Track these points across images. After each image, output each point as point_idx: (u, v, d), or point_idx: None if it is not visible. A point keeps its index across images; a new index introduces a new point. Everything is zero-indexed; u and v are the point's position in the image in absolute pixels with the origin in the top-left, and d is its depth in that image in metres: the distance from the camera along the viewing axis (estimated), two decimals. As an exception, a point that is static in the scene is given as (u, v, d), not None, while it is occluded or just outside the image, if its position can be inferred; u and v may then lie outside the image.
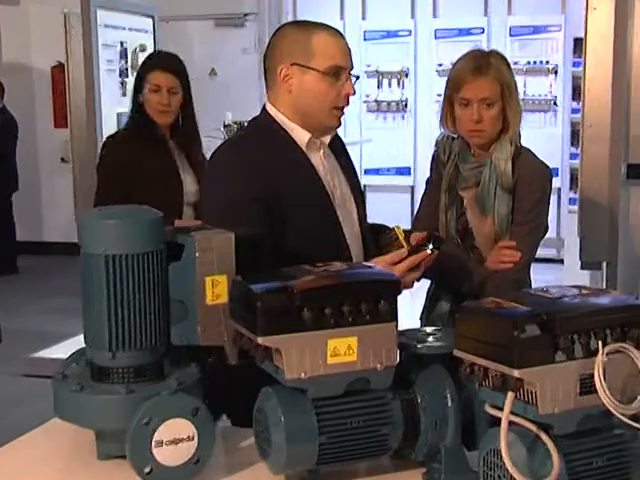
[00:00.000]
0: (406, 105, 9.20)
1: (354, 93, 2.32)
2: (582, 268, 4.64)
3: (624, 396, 1.49)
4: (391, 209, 7.56)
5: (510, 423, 1.45)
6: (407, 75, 9.21)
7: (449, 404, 1.67)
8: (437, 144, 2.96)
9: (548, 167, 2.86)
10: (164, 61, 3.80)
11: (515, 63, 8.94)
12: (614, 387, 1.47)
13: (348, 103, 2.33)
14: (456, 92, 2.77)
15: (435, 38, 9.16)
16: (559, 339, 1.44)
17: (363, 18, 9.38)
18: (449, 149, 2.88)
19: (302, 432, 1.58)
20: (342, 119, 2.35)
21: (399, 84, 9.24)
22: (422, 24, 9.22)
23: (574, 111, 8.12)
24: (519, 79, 10.03)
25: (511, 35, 8.98)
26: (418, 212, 3.02)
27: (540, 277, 6.03)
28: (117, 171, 3.68)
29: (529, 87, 8.93)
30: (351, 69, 2.31)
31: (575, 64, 8.02)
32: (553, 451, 1.43)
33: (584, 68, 4.51)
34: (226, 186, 2.24)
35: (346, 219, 2.36)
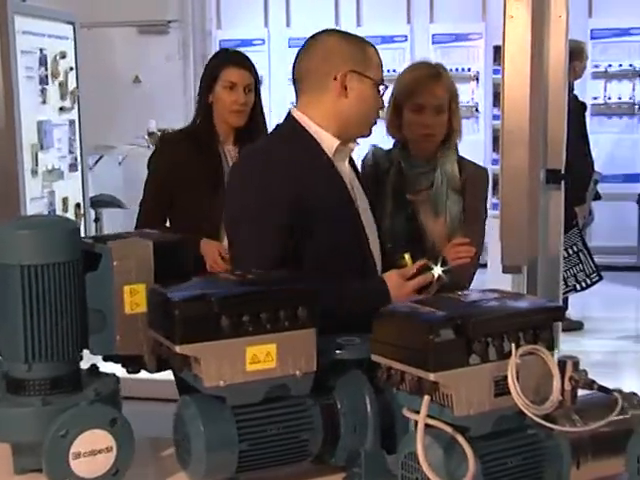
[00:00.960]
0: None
1: (384, 107, 2.42)
2: (503, 272, 4.71)
3: (537, 397, 1.52)
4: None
5: (427, 426, 1.47)
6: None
7: (368, 409, 1.69)
8: (373, 157, 3.02)
9: (487, 169, 3.12)
10: (238, 57, 3.45)
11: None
12: (527, 388, 1.50)
13: None
14: (408, 98, 2.84)
15: (433, 44, 9.19)
16: (473, 342, 1.47)
17: (288, 25, 9.39)
18: (387, 158, 2.96)
19: (222, 440, 1.58)
20: None
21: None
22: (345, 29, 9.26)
23: (495, 117, 8.26)
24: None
25: (433, 43, 9.07)
26: None
27: None
28: (163, 173, 3.35)
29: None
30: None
31: (495, 71, 8.15)
32: (469, 452, 1.46)
33: (503, 75, 4.58)
34: (256, 194, 2.23)
35: (368, 229, 2.39)
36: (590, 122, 8.14)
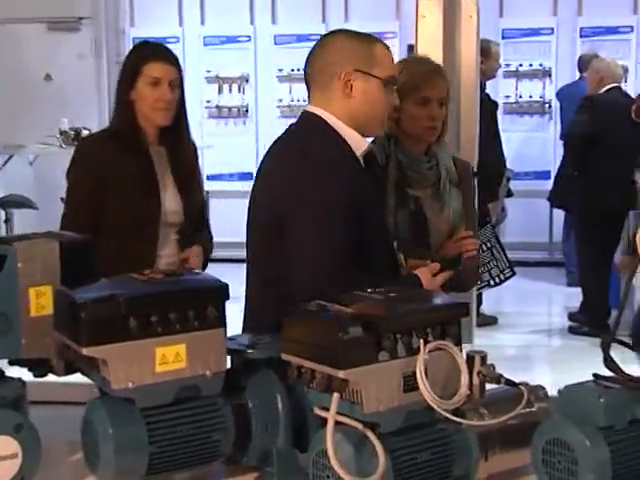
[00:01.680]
0: (247, 111, 9.21)
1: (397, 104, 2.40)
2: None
3: (446, 392, 1.54)
4: (234, 215, 7.55)
5: (338, 423, 1.48)
6: (247, 81, 9.23)
7: (280, 408, 1.68)
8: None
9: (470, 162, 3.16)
10: (161, 50, 3.14)
11: (354, 69, 9.12)
12: (436, 383, 1.52)
13: None
14: (413, 92, 2.81)
15: (275, 44, 9.21)
16: (382, 339, 1.48)
17: (202, 23, 9.33)
18: (383, 153, 2.95)
19: (130, 443, 1.56)
20: None
21: (240, 90, 9.24)
22: (261, 30, 9.25)
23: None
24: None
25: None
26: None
27: None
28: (88, 176, 3.03)
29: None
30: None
31: (410, 70, 8.23)
32: (379, 448, 1.47)
33: (416, 74, 4.63)
34: (313, 194, 2.19)
35: None
36: (502, 120, 8.28)
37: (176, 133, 3.07)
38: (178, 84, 3.06)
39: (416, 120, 2.82)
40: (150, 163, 3.03)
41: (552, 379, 5.01)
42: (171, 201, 3.03)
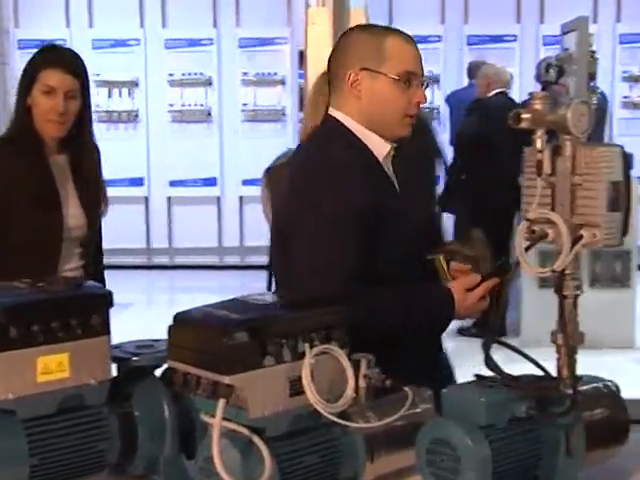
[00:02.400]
0: (137, 115, 9.10)
1: (425, 101, 2.21)
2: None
3: (332, 395, 1.55)
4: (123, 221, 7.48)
5: (225, 429, 1.47)
6: (137, 85, 9.12)
7: (166, 415, 1.67)
8: None
9: None
10: (61, 57, 2.92)
11: (245, 74, 9.13)
12: (322, 387, 1.53)
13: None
14: None
15: (165, 48, 9.14)
16: (267, 344, 1.48)
17: (90, 26, 9.18)
18: None
19: (10, 455, 1.52)
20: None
21: (129, 94, 9.13)
22: (152, 33, 9.16)
23: (302, 121, 8.40)
24: (249, 90, 10.19)
25: (240, 47, 9.13)
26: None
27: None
28: None
29: (259, 98, 9.13)
30: (422, 76, 2.19)
31: (301, 75, 8.29)
32: (265, 453, 1.47)
33: (306, 79, 4.68)
34: (331, 204, 2.07)
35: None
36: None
37: (77, 142, 2.90)
38: (77, 95, 2.84)
39: None
40: (50, 174, 2.86)
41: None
42: (73, 215, 2.88)
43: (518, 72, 8.79)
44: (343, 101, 2.19)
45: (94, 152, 3.00)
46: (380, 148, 2.20)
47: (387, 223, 2.12)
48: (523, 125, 1.63)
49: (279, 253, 2.23)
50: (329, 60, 2.24)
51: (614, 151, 1.64)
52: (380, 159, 2.20)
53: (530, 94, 1.68)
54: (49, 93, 2.80)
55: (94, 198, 2.95)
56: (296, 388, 1.51)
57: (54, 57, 2.91)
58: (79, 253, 2.90)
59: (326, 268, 2.04)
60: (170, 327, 1.53)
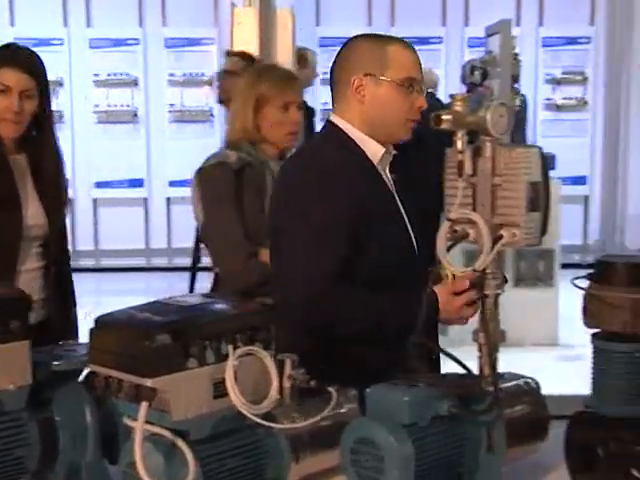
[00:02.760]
0: (62, 117, 8.95)
1: (426, 106, 2.25)
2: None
3: (256, 396, 1.55)
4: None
5: (148, 433, 1.46)
6: (62, 85, 8.98)
7: (88, 420, 1.64)
8: (240, 160, 2.91)
9: None
10: (17, 56, 2.86)
11: (172, 75, 9.06)
12: (246, 389, 1.52)
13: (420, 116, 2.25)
14: (274, 98, 2.88)
15: (90, 47, 9.01)
16: (190, 346, 1.47)
17: (12, 24, 9.01)
18: (257, 158, 2.95)
19: None
20: None
21: (54, 94, 8.98)
22: (76, 33, 9.03)
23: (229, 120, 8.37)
24: (175, 91, 10.09)
25: (167, 47, 9.06)
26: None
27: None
28: None
29: (186, 99, 9.07)
30: (422, 83, 2.27)
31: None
32: (188, 456, 1.46)
33: (233, 80, 4.66)
34: (310, 201, 2.14)
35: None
36: (320, 127, 8.39)
37: (37, 142, 2.85)
38: (34, 95, 2.78)
39: (279, 126, 2.87)
40: (8, 173, 2.79)
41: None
42: (33, 215, 2.81)
43: (444, 74, 8.89)
44: (346, 106, 2.24)
45: (55, 153, 2.94)
46: (375, 152, 2.26)
47: (379, 226, 2.18)
48: (444, 126, 1.65)
49: (272, 252, 2.31)
50: (332, 68, 2.30)
51: (532, 152, 1.67)
52: (375, 162, 2.25)
53: (451, 95, 1.70)
54: (4, 92, 2.76)
55: (56, 199, 2.89)
56: (220, 390, 1.50)
57: (10, 56, 2.86)
58: (39, 253, 2.84)
59: (309, 273, 2.10)
60: (91, 330, 1.51)
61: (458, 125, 1.66)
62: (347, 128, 2.24)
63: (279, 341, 2.31)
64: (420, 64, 2.27)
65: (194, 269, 3.64)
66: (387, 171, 2.31)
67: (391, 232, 2.22)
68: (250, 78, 3.02)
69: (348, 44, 2.30)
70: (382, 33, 2.39)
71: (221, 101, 4.95)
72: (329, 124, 2.29)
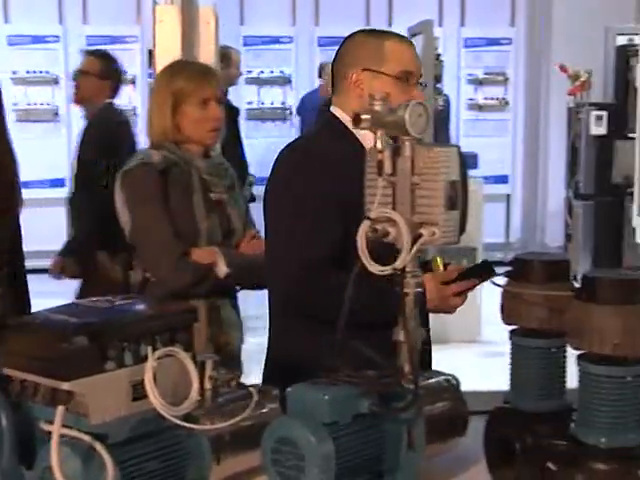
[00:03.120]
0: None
1: (423, 100, 2.24)
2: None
3: (176, 398, 1.53)
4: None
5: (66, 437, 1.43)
6: (-20, 82, 8.78)
7: (3, 424, 1.60)
8: (165, 160, 2.79)
9: None
10: None
11: (92, 73, 8.91)
12: (165, 390, 1.50)
13: None
14: (192, 94, 2.79)
15: (9, 45, 8.84)
16: (108, 348, 1.45)
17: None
18: (182, 158, 2.86)
19: None
20: None
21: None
22: (-5, 30, 8.85)
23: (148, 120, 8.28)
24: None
25: (88, 44, 8.91)
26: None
27: (52, 289, 5.91)
28: None
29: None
30: (420, 76, 2.32)
31: (151, 75, 8.17)
32: (107, 460, 1.43)
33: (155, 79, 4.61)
34: (300, 184, 2.21)
35: None
36: (245, 126, 8.40)
37: None
38: None
39: (199, 123, 2.78)
40: None
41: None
42: None
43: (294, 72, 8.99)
44: (345, 99, 2.32)
45: (6, 153, 2.88)
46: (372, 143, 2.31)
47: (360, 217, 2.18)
48: (363, 126, 1.66)
49: (265, 237, 2.37)
50: (332, 62, 2.38)
51: (450, 151, 1.69)
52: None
53: (370, 95, 1.71)
54: None
55: (7, 200, 2.82)
56: (139, 392, 1.48)
57: None
58: None
59: (295, 256, 2.16)
60: (4, 333, 1.48)
61: (377, 125, 1.67)
62: (346, 120, 2.27)
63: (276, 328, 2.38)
64: (417, 58, 2.35)
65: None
66: None
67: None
68: (164, 76, 2.91)
69: (348, 39, 2.39)
70: (382, 28, 2.52)
71: (77, 101, 4.90)
72: (329, 115, 2.36)
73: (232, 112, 6.75)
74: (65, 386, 1.40)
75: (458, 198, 1.70)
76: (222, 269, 2.70)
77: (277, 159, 2.36)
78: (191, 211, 2.74)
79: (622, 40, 7.91)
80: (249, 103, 9.09)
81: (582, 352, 1.61)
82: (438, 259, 2.33)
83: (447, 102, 8.60)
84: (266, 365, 2.39)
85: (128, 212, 2.78)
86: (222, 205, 2.81)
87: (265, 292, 2.39)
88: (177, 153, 2.79)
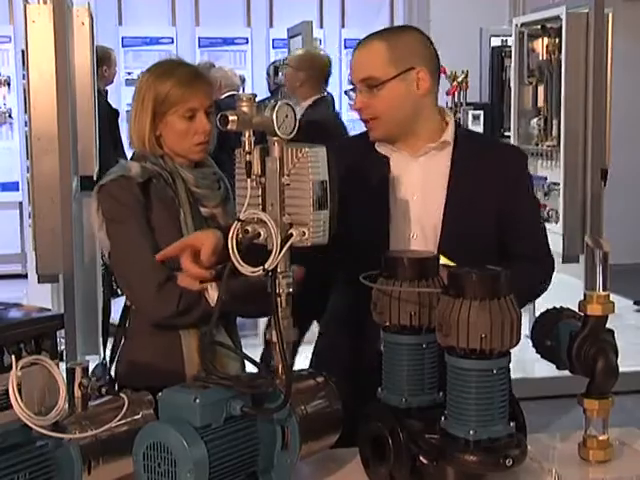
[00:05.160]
0: None
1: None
2: (39, 282, 4.62)
3: (44, 407, 1.50)
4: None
5: None
6: None
7: None
8: (144, 171, 2.35)
9: None
10: None
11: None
12: (32, 400, 1.47)
13: None
14: (177, 105, 2.39)
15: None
16: (-31, 358, 1.41)
17: None
18: (166, 169, 2.47)
19: None
20: None
21: None
22: None
23: (27, 124, 8.06)
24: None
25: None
26: None
27: (5, 295, 5.83)
28: None
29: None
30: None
31: (24, 76, 7.95)
32: (-32, 475, 1.40)
33: (27, 80, 4.51)
34: None
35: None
36: (126, 128, 8.24)
37: None
38: None
39: (184, 136, 2.39)
40: None
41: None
42: None
43: (250, 74, 8.93)
44: None
45: None
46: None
47: (353, 208, 2.03)
48: (231, 127, 1.65)
49: None
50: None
51: (318, 151, 1.70)
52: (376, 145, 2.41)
53: (237, 97, 1.71)
54: None
55: None
56: (3, 402, 1.45)
57: None
58: None
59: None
60: None
61: (245, 126, 1.66)
62: None
63: None
64: (357, 64, 2.34)
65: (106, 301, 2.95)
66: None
67: (360, 219, 2.16)
68: (148, 77, 2.43)
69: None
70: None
71: None
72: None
73: (111, 113, 6.67)
74: None
75: (327, 198, 1.71)
76: (213, 295, 2.21)
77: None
78: (177, 228, 2.33)
79: (496, 41, 8.12)
80: (129, 105, 8.95)
81: (450, 346, 1.65)
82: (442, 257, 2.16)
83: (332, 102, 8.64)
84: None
85: (104, 233, 2.35)
86: (215, 221, 2.41)
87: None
88: (160, 163, 2.40)
